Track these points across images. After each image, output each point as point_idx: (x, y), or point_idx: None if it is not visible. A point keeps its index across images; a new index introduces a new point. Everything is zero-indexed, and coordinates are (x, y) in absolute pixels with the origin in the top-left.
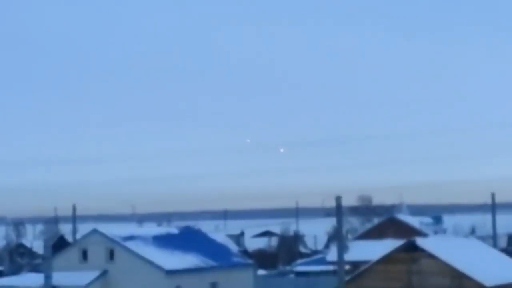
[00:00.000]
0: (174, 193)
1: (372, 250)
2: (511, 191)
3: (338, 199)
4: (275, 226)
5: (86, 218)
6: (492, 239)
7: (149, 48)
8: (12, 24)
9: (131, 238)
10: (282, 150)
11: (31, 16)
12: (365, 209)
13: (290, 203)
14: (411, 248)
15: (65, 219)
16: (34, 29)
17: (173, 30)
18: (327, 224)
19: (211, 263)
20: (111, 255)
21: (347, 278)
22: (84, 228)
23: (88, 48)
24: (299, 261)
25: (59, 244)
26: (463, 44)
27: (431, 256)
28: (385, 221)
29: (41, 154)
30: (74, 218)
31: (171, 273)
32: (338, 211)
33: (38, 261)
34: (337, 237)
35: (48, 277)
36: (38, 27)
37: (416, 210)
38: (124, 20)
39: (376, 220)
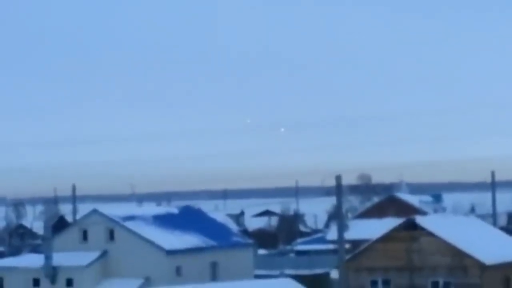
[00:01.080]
0: (173, 173)
1: (372, 229)
2: (511, 169)
3: (338, 178)
4: (275, 205)
5: (86, 198)
6: (492, 217)
7: (148, 31)
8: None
9: (131, 218)
10: (282, 130)
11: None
12: (365, 188)
13: (290, 182)
14: (411, 226)
15: (65, 200)
16: (30, 16)
17: (172, 13)
18: (327, 203)
19: (211, 242)
20: (111, 235)
21: (347, 256)
22: (84, 208)
23: (88, 35)
24: (299, 240)
25: (59, 225)
26: (464, 25)
27: (431, 235)
28: (385, 200)
29: (41, 135)
30: (74, 199)
31: (171, 253)
32: (338, 190)
33: (38, 241)
34: (337, 216)
35: (48, 258)
36: (35, 14)
37: (416, 188)
38: (122, 5)
39: (376, 199)
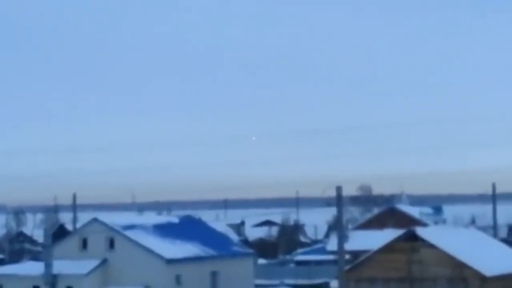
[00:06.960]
0: (174, 182)
1: (372, 240)
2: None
3: (339, 189)
4: (276, 215)
5: (86, 207)
6: (493, 229)
7: (153, 38)
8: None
9: (131, 227)
10: (284, 141)
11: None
12: (365, 199)
13: (290, 193)
14: (411, 237)
15: (65, 208)
16: (32, 22)
17: (178, 21)
18: (328, 214)
19: (211, 252)
20: (111, 243)
21: (347, 267)
22: (84, 217)
23: (90, 43)
24: (299, 250)
25: (59, 233)
26: (463, 34)
27: (431, 246)
28: (385, 211)
29: (41, 143)
30: (75, 207)
31: (171, 262)
32: (338, 200)
33: (39, 249)
34: (337, 227)
35: (48, 266)
36: (38, 19)
37: (416, 200)
38: (126, 10)
39: (376, 210)
